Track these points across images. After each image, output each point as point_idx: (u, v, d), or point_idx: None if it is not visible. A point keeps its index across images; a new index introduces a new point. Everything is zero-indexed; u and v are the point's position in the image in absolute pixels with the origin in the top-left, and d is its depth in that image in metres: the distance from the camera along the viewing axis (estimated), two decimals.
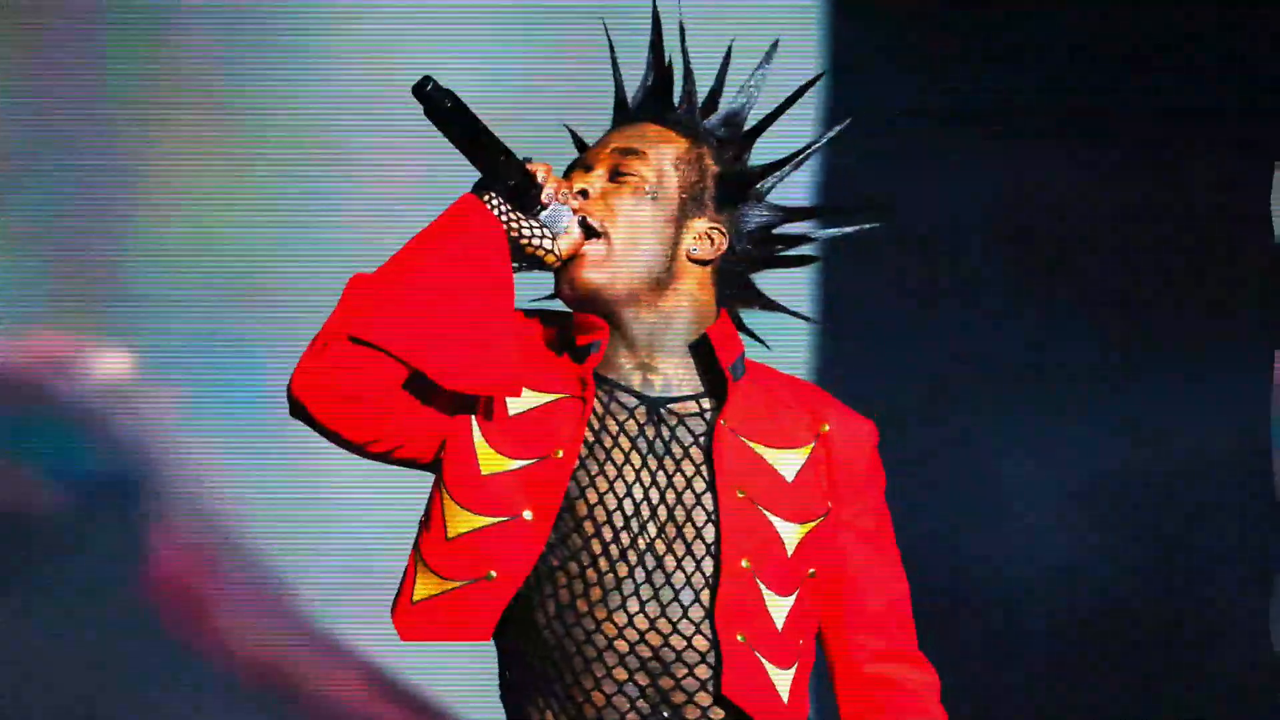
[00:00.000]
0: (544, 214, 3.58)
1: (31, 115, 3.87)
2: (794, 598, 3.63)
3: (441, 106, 3.53)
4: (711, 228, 3.69)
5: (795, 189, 3.79)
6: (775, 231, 3.75)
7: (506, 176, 3.57)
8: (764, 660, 3.60)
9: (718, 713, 3.60)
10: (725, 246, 3.69)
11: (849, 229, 3.79)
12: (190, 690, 3.90)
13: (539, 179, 3.58)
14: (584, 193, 3.65)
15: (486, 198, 3.56)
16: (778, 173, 3.76)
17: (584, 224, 3.62)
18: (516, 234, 3.57)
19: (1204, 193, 4.14)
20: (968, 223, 4.10)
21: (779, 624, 3.61)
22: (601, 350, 3.65)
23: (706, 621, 3.57)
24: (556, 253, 3.60)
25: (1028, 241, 4.13)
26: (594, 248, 3.63)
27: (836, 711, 3.73)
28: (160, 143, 3.88)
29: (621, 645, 3.56)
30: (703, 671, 3.58)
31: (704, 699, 3.59)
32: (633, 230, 3.64)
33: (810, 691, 3.68)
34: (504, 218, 3.56)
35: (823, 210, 3.83)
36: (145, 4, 3.84)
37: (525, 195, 3.56)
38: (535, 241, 3.57)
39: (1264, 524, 4.12)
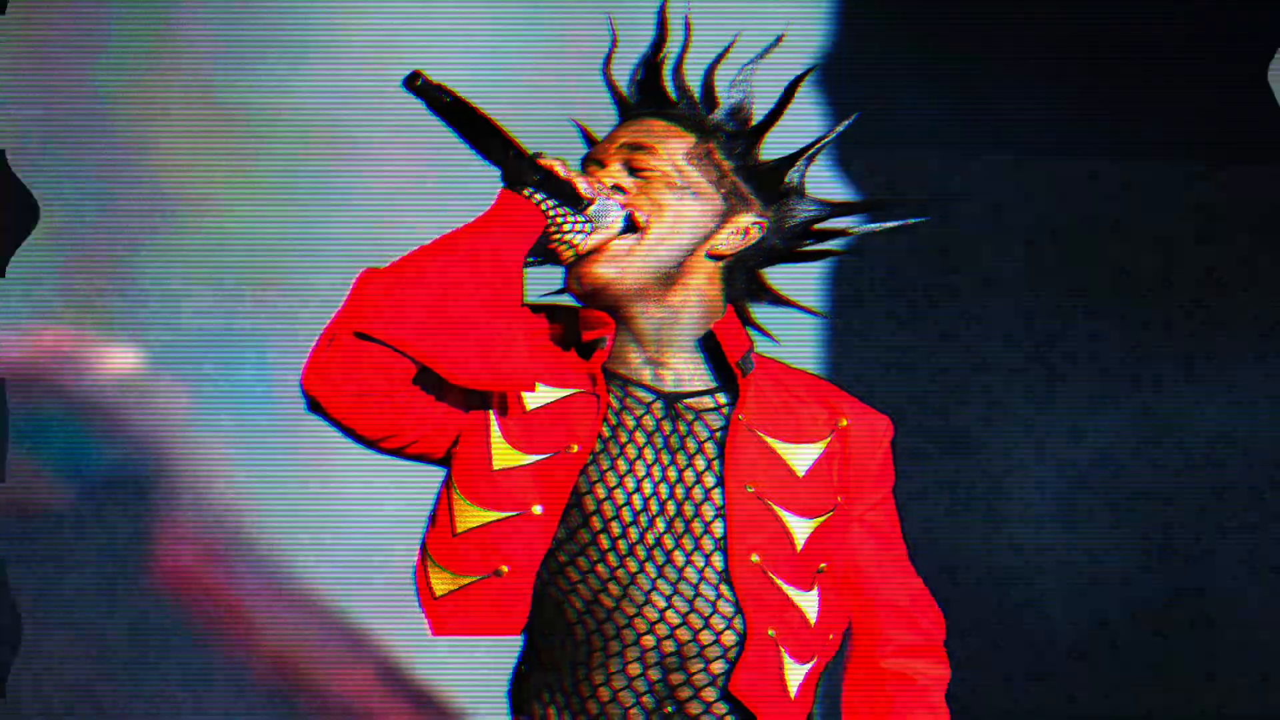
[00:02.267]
0: (593, 208, 3.56)
1: (38, 111, 3.88)
2: (817, 591, 3.63)
3: (440, 102, 3.51)
4: (755, 222, 3.67)
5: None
6: (818, 227, 3.74)
7: (506, 165, 3.55)
8: (787, 655, 3.60)
9: (721, 708, 3.59)
10: (761, 240, 3.68)
11: (889, 224, 3.77)
12: (201, 684, 3.91)
13: (561, 174, 3.56)
14: (617, 188, 3.64)
15: (526, 192, 3.55)
16: (799, 163, 3.74)
17: (632, 218, 3.60)
18: (556, 229, 3.55)
19: (1206, 190, 4.12)
20: (975, 218, 4.08)
21: (811, 619, 3.61)
22: (609, 345, 3.64)
23: (739, 617, 3.57)
24: (582, 248, 3.59)
25: (1034, 237, 4.12)
26: (620, 242, 3.62)
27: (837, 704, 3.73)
28: (167, 138, 3.88)
29: (643, 640, 3.56)
30: (717, 666, 3.58)
31: (709, 694, 3.59)
32: (674, 225, 3.63)
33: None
34: (549, 212, 3.54)
35: (866, 206, 3.81)
36: (147, 2, 3.85)
37: (560, 192, 3.54)
38: (578, 239, 3.56)
39: (1268, 520, 4.11)
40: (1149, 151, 4.09)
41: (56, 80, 3.85)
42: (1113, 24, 4.04)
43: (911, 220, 3.77)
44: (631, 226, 3.61)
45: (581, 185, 3.57)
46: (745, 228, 3.67)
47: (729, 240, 3.66)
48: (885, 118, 3.82)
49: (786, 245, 3.74)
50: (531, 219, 3.53)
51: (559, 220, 3.54)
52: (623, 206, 3.59)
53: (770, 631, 3.58)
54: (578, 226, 3.55)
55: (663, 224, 3.63)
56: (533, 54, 3.85)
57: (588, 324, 3.65)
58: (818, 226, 3.74)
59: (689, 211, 3.64)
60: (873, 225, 3.76)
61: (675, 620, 3.56)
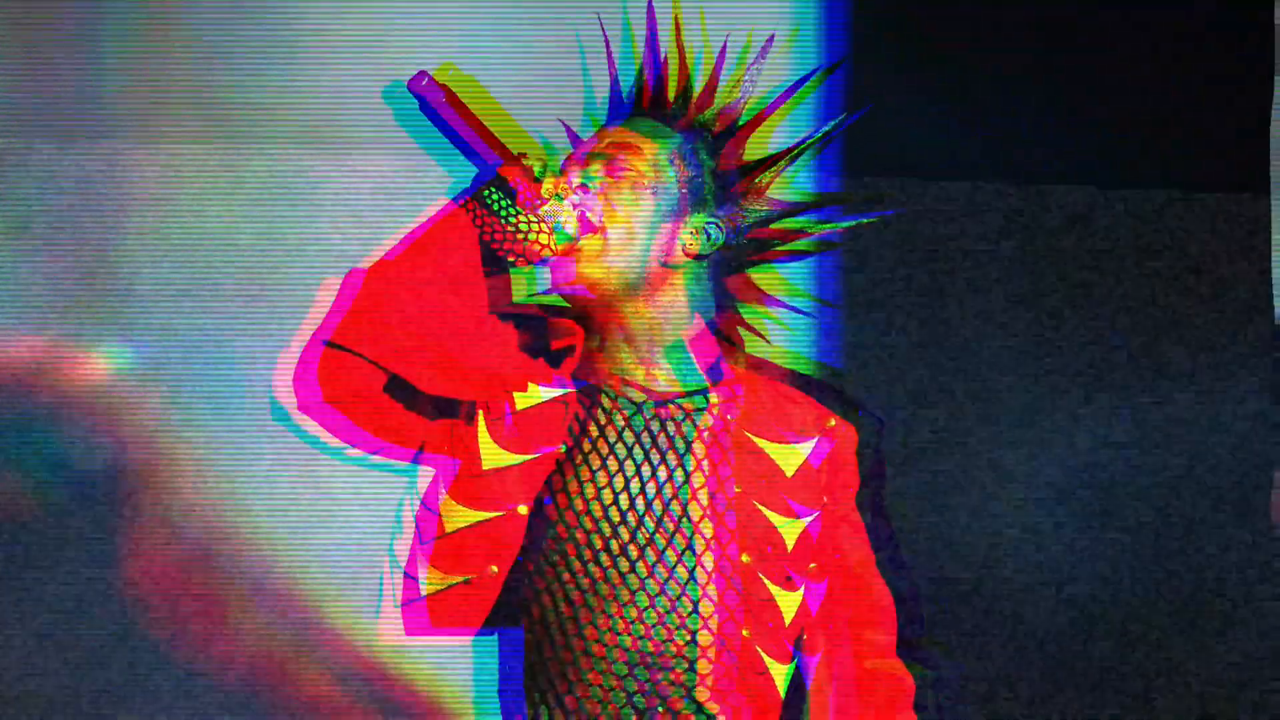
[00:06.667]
0: (543, 209, 3.59)
1: (25, 110, 3.88)
2: (800, 593, 3.64)
3: (436, 101, 3.56)
4: (709, 223, 3.68)
5: (796, 184, 3.79)
6: (774, 226, 3.75)
7: (504, 171, 3.59)
8: (765, 656, 3.61)
9: (713, 707, 3.60)
10: (722, 242, 3.69)
11: (847, 223, 3.78)
12: (188, 689, 3.91)
13: (536, 174, 3.59)
14: (583, 187, 3.65)
15: (486, 192, 3.57)
16: (774, 167, 3.75)
17: (582, 219, 3.62)
18: (514, 229, 3.57)
19: (1207, 190, 4.13)
20: (970, 218, 4.10)
21: (786, 619, 3.62)
22: (578, 353, 3.66)
23: (715, 617, 3.58)
24: (553, 247, 3.60)
25: (1030, 239, 4.13)
26: (590, 243, 3.63)
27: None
28: (155, 138, 3.89)
29: (625, 640, 3.57)
30: (702, 667, 3.59)
31: (700, 694, 3.60)
32: (631, 225, 3.64)
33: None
34: (502, 213, 3.57)
35: (821, 204, 3.83)
36: None
37: (524, 190, 3.58)
38: (532, 236, 3.58)
39: (1265, 524, 4.12)
40: (1152, 149, 4.11)
41: (45, 79, 3.86)
42: (1101, 52, 4.07)
43: (866, 219, 3.78)
44: (590, 227, 3.62)
45: (545, 187, 3.59)
46: (701, 228, 3.67)
47: (694, 240, 3.67)
48: (882, 125, 3.84)
49: (756, 245, 3.75)
50: (467, 232, 3.59)
51: (514, 220, 3.57)
52: (575, 207, 3.61)
53: (745, 632, 3.59)
54: (533, 226, 3.58)
55: (617, 224, 3.64)
56: (521, 54, 3.86)
57: (556, 332, 3.67)
58: (773, 226, 3.75)
59: (643, 212, 3.65)
60: (830, 225, 3.77)
61: (653, 620, 3.57)
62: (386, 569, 3.67)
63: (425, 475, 3.69)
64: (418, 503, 3.65)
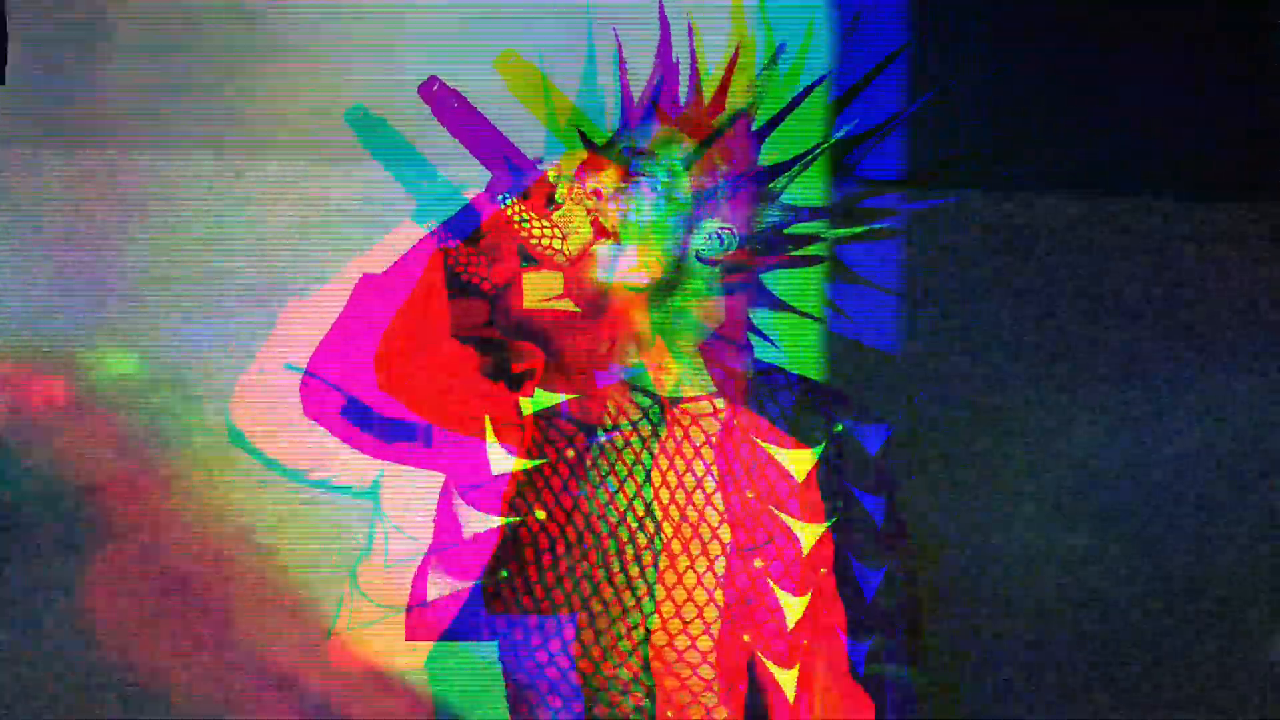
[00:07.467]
0: (557, 214, 3.60)
1: (32, 116, 3.89)
2: (807, 598, 3.64)
3: (449, 107, 3.56)
4: (722, 228, 3.69)
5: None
6: (786, 231, 3.76)
7: (518, 177, 3.60)
8: (768, 660, 3.61)
9: (722, 713, 3.60)
10: (735, 247, 3.70)
11: (859, 229, 3.79)
12: (197, 692, 3.92)
13: (550, 179, 3.60)
14: (597, 193, 3.66)
15: (500, 198, 3.59)
16: (788, 172, 3.76)
17: (596, 224, 3.63)
18: (528, 234, 3.58)
19: (1209, 190, 4.15)
20: (968, 225, 4.11)
21: (789, 624, 3.62)
22: (538, 377, 3.68)
23: (718, 622, 3.58)
24: (567, 252, 3.61)
25: (1032, 239, 4.14)
26: (603, 248, 3.64)
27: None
28: (162, 142, 3.89)
29: (630, 643, 3.57)
30: (707, 671, 3.59)
31: (709, 699, 3.60)
32: (645, 230, 3.65)
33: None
34: (517, 218, 3.58)
35: (835, 211, 3.84)
36: (147, 3, 3.86)
37: (539, 196, 3.59)
38: (546, 241, 3.59)
39: (1270, 525, 4.14)
40: (1152, 144, 4.12)
41: (53, 87, 3.86)
42: (1114, 68, 4.08)
43: (879, 225, 3.79)
44: (604, 232, 3.64)
45: (559, 192, 3.61)
46: (715, 232, 3.69)
47: (707, 245, 3.68)
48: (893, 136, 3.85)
49: (771, 250, 3.75)
50: (435, 256, 3.62)
51: (529, 226, 3.59)
52: (589, 212, 3.63)
53: (745, 637, 3.60)
54: (546, 232, 3.59)
55: (630, 230, 3.65)
56: (534, 59, 3.86)
57: (517, 355, 3.68)
58: (786, 231, 3.76)
59: (656, 217, 3.66)
60: (843, 230, 3.78)
61: (656, 624, 3.57)
62: (347, 590, 3.68)
63: (394, 496, 3.72)
64: (388, 524, 3.66)
